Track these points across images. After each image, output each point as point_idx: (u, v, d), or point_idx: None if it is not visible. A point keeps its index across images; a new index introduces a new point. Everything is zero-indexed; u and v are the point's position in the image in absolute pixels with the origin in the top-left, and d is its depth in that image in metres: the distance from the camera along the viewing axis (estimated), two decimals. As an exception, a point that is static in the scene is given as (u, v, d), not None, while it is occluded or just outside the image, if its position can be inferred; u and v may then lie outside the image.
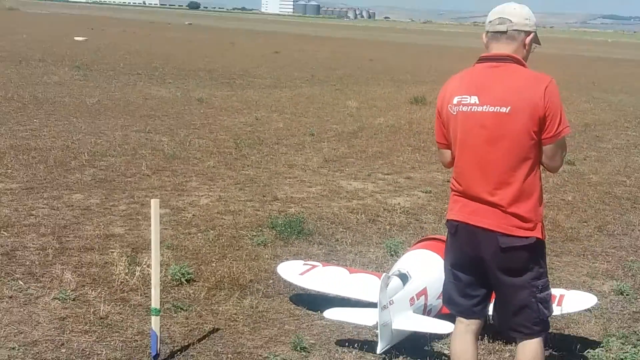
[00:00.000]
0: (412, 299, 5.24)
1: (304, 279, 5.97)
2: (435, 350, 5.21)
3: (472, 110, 3.82)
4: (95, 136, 12.70)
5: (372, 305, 5.02)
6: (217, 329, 5.35)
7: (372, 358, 5.03)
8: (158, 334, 4.77)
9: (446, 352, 5.04)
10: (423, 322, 5.19)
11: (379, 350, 4.88)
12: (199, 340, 5.15)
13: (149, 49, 36.63)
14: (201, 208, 8.61)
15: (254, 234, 7.67)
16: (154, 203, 4.80)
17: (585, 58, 67.21)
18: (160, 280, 5.98)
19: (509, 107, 3.71)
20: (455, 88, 3.95)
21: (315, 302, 5.93)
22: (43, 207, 8.27)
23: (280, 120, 15.99)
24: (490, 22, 3.93)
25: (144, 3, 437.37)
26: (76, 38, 41.28)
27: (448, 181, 10.69)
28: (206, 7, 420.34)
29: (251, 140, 13.29)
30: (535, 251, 3.87)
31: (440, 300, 4.82)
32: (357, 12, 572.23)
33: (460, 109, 3.86)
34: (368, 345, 5.11)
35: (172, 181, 9.85)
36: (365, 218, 8.60)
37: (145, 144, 12.31)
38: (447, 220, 4.12)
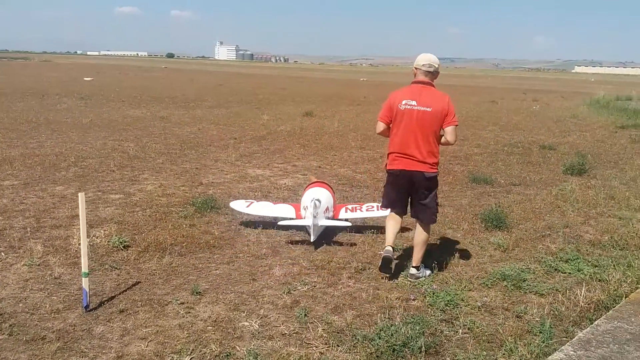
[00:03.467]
0: (325, 211, 6.26)
1: (248, 209, 6.65)
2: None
3: (412, 108, 4.81)
4: (82, 145, 11.72)
5: (288, 219, 6.34)
6: (138, 282, 4.81)
7: (252, 296, 4.59)
8: (87, 291, 4.24)
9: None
10: (330, 222, 6.28)
11: (312, 239, 5.85)
12: (123, 292, 4.60)
13: (133, 84, 34.83)
14: (146, 193, 7.90)
15: (180, 209, 7.05)
16: (81, 196, 4.22)
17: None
18: (104, 247, 5.41)
19: (431, 108, 4.77)
20: (402, 95, 4.89)
21: (212, 258, 5.44)
22: (32, 197, 7.46)
23: (215, 130, 15.22)
24: (422, 64, 4.87)
25: (137, 54, 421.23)
26: (85, 78, 39.01)
27: (320, 167, 10.44)
28: (179, 56, 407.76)
29: (192, 143, 12.55)
30: (436, 179, 4.99)
31: (332, 211, 6.53)
32: (277, 58, 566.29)
33: (406, 107, 4.83)
34: (250, 286, 4.68)
35: (129, 174, 9.08)
36: (261, 194, 8.10)
37: (117, 148, 11.43)
38: (390, 170, 5.00)
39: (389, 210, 5.23)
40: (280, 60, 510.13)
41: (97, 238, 5.66)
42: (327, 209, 6.36)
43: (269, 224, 6.54)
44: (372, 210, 6.60)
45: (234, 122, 17.19)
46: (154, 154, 10.96)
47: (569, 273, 5.31)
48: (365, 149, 12.92)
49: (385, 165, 5.07)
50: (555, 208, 7.87)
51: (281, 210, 6.61)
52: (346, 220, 6.41)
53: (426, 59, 4.88)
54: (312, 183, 7.04)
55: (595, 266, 5.49)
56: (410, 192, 4.99)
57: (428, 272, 5.15)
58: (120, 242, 5.59)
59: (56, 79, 36.82)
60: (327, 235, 6.14)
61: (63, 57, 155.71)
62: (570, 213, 7.62)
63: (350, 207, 6.80)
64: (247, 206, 6.70)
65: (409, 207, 5.20)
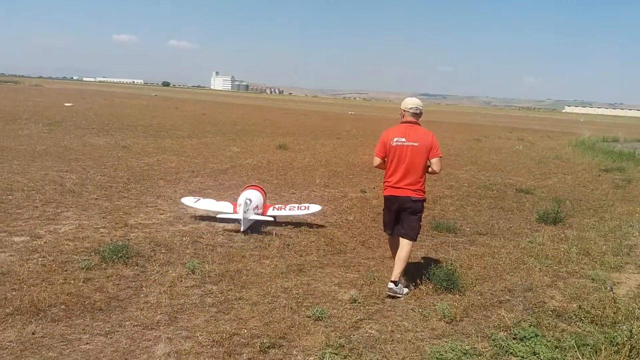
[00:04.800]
0: (255, 208, 7.75)
1: (195, 204, 8.25)
2: None
3: (403, 144, 5.57)
4: (20, 175, 10.72)
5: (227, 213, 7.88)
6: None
7: None
8: None
9: None
10: (257, 217, 7.75)
11: (242, 229, 7.42)
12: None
13: (113, 111, 33.95)
14: (56, 235, 6.88)
15: (84, 258, 6.04)
16: None
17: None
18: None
19: (418, 143, 5.54)
20: (394, 133, 5.64)
21: (91, 326, 4.43)
22: None
23: (175, 161, 14.29)
24: (410, 107, 5.68)
25: (133, 82, 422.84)
26: (66, 104, 38.07)
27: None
28: (174, 85, 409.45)
29: (141, 176, 11.58)
30: (422, 203, 5.71)
31: (261, 209, 8.06)
32: (272, 90, 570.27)
33: (397, 143, 5.58)
34: None
35: (51, 211, 8.06)
36: (189, 240, 7.13)
37: (56, 180, 10.41)
38: (385, 195, 5.80)
39: (386, 232, 6.01)
40: (275, 92, 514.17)
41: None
42: (256, 206, 7.91)
43: (182, 275, 5.56)
44: (294, 210, 8.29)
45: (200, 154, 16.29)
46: (93, 188, 9.98)
47: (522, 358, 4.35)
48: (330, 186, 12.03)
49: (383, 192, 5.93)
50: (521, 265, 6.95)
51: (222, 206, 8.19)
52: (273, 217, 8.14)
53: (413, 102, 5.75)
54: (248, 186, 8.78)
55: (556, 348, 4.54)
56: (399, 213, 5.74)
57: (406, 290, 5.69)
58: (-16, 302, 4.60)
59: (34, 104, 35.86)
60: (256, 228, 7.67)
61: (56, 82, 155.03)
62: (536, 272, 6.69)
63: (277, 206, 8.54)
64: (195, 202, 8.35)
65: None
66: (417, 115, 5.72)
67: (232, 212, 7.87)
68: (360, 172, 14.58)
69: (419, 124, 5.71)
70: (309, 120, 41.32)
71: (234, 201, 8.29)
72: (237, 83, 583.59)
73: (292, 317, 4.88)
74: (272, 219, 8.02)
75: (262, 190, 8.58)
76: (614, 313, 5.15)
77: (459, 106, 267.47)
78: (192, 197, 8.55)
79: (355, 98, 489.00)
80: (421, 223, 5.83)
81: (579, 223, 9.75)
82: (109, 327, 4.46)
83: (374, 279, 5.99)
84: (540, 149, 26.72)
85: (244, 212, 7.41)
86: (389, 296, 5.47)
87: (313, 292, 5.52)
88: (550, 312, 5.39)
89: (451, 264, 6.61)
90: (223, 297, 5.21)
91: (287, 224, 8.26)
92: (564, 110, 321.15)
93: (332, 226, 8.41)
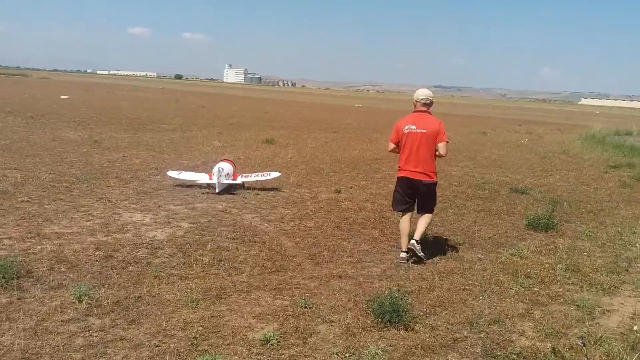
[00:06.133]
0: (226, 175, 9.81)
1: (179, 176, 10.15)
2: None
3: (413, 131, 6.35)
4: (-42, 173, 9.81)
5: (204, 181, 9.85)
6: None
7: None
8: None
9: None
10: (229, 181, 9.88)
11: (217, 191, 9.45)
12: None
13: (107, 105, 33.03)
14: (-57, 249, 5.92)
15: (-42, 278, 5.05)
16: None
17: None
18: None
19: (426, 130, 6.31)
20: (406, 121, 6.45)
21: None
22: None
23: (142, 157, 13.27)
24: (421, 98, 6.44)
25: (146, 75, 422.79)
26: (62, 97, 37.31)
27: (225, 210, 8.44)
28: (187, 78, 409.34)
29: (96, 174, 10.55)
30: (435, 185, 6.52)
31: (232, 176, 10.18)
32: (285, 82, 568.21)
33: (408, 130, 6.37)
34: None
35: (-37, 218, 7.11)
36: (101, 254, 6.06)
37: (-7, 180, 9.48)
38: (398, 177, 6.55)
39: (396, 210, 6.79)
40: (288, 85, 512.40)
41: None
42: (227, 174, 9.91)
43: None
44: (258, 177, 10.35)
45: (175, 149, 15.29)
46: (32, 188, 8.98)
47: None
48: (302, 186, 10.93)
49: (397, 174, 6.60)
50: (494, 285, 5.81)
51: (200, 176, 10.12)
52: (242, 183, 10.14)
53: (424, 93, 6.47)
54: (221, 159, 10.76)
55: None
56: (415, 195, 6.48)
57: (422, 254, 6.42)
58: None
59: (30, 97, 35.10)
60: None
61: (68, 75, 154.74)
62: (510, 295, 5.56)
63: (245, 175, 10.49)
64: (179, 174, 10.26)
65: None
66: (428, 104, 6.49)
67: (208, 180, 9.79)
68: (344, 169, 13.47)
69: (429, 113, 6.49)
70: (311, 113, 40.18)
71: (210, 172, 10.05)
72: (249, 76, 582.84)
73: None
74: (241, 183, 10.11)
75: (233, 162, 10.79)
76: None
77: (472, 98, 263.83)
78: (176, 171, 10.54)
79: (368, 90, 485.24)
80: (436, 201, 6.80)
81: (574, 230, 8.57)
82: None
83: (306, 307, 4.89)
84: (547, 142, 25.38)
85: (218, 178, 9.45)
86: (409, 249, 6.45)
87: (220, 328, 4.44)
88: (515, 357, 4.26)
89: (406, 285, 5.50)
90: (99, 337, 4.14)
91: (252, 212, 7.21)
92: (580, 103, 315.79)
93: (285, 235, 7.33)
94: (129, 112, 27.36)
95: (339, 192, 10.45)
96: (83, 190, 9.22)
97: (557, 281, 6.06)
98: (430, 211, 6.64)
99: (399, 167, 6.52)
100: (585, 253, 7.27)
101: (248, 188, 10.15)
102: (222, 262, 6.01)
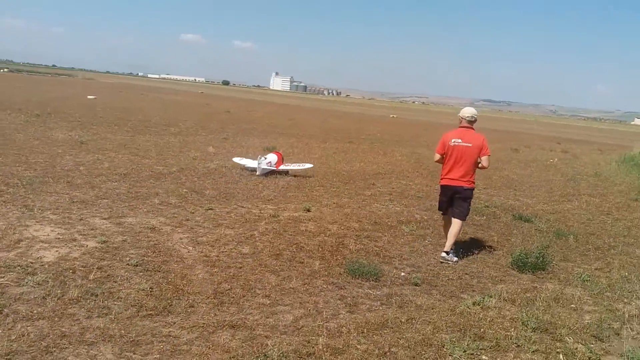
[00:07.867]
0: (268, 163, 12.37)
1: (241, 162, 13.04)
2: None
3: (459, 144, 6.97)
4: None
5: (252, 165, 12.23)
6: None
7: None
8: None
9: None
10: (268, 168, 12.31)
11: (258, 174, 12.06)
12: None
13: (130, 106, 32.76)
14: None
15: None
16: None
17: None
18: None
19: (471, 144, 6.95)
20: (452, 135, 7.07)
21: None
22: None
23: (116, 161, 12.36)
24: (467, 116, 7.12)
25: (195, 80, 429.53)
26: (89, 97, 37.38)
27: (157, 229, 7.32)
28: (234, 84, 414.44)
29: (50, 178, 9.63)
30: (472, 192, 7.15)
31: (274, 166, 12.59)
32: (329, 91, 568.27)
33: (454, 143, 6.99)
34: None
35: None
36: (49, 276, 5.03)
37: None
38: (441, 185, 7.25)
39: (441, 211, 7.48)
40: (332, 93, 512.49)
41: None
42: (269, 162, 12.46)
43: None
44: (295, 166, 13.00)
45: (161, 153, 14.38)
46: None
47: None
48: (272, 201, 9.74)
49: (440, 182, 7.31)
50: (427, 348, 4.45)
51: (252, 162, 12.69)
52: (286, 170, 12.73)
53: (470, 112, 7.23)
54: (272, 151, 13.83)
55: None
56: (452, 200, 7.12)
57: (455, 258, 6.99)
58: None
59: (54, 95, 35.26)
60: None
61: (117, 77, 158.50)
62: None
63: (286, 164, 13.06)
64: (240, 160, 13.18)
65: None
66: (472, 122, 7.16)
67: (255, 165, 12.30)
68: (335, 184, 12.21)
69: (473, 129, 7.14)
70: (337, 122, 39.01)
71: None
72: (295, 84, 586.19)
73: None
74: (274, 168, 12.52)
75: (280, 154, 13.29)
76: None
77: (520, 114, 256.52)
78: (239, 158, 13.56)
79: (413, 102, 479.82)
80: (470, 207, 7.26)
81: (569, 271, 7.07)
82: None
83: None
84: (580, 163, 23.38)
85: (259, 163, 12.06)
86: (441, 262, 6.85)
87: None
88: None
89: (310, 343, 4.23)
90: None
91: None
92: (632, 122, 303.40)
93: (204, 263, 6.14)
94: (143, 114, 26.85)
95: (309, 210, 9.22)
96: (21, 195, 8.32)
97: (518, 347, 4.65)
98: (461, 217, 7.10)
99: (442, 175, 7.20)
100: (572, 305, 5.81)
101: (292, 175, 12.57)
102: (92, 298, 4.86)
